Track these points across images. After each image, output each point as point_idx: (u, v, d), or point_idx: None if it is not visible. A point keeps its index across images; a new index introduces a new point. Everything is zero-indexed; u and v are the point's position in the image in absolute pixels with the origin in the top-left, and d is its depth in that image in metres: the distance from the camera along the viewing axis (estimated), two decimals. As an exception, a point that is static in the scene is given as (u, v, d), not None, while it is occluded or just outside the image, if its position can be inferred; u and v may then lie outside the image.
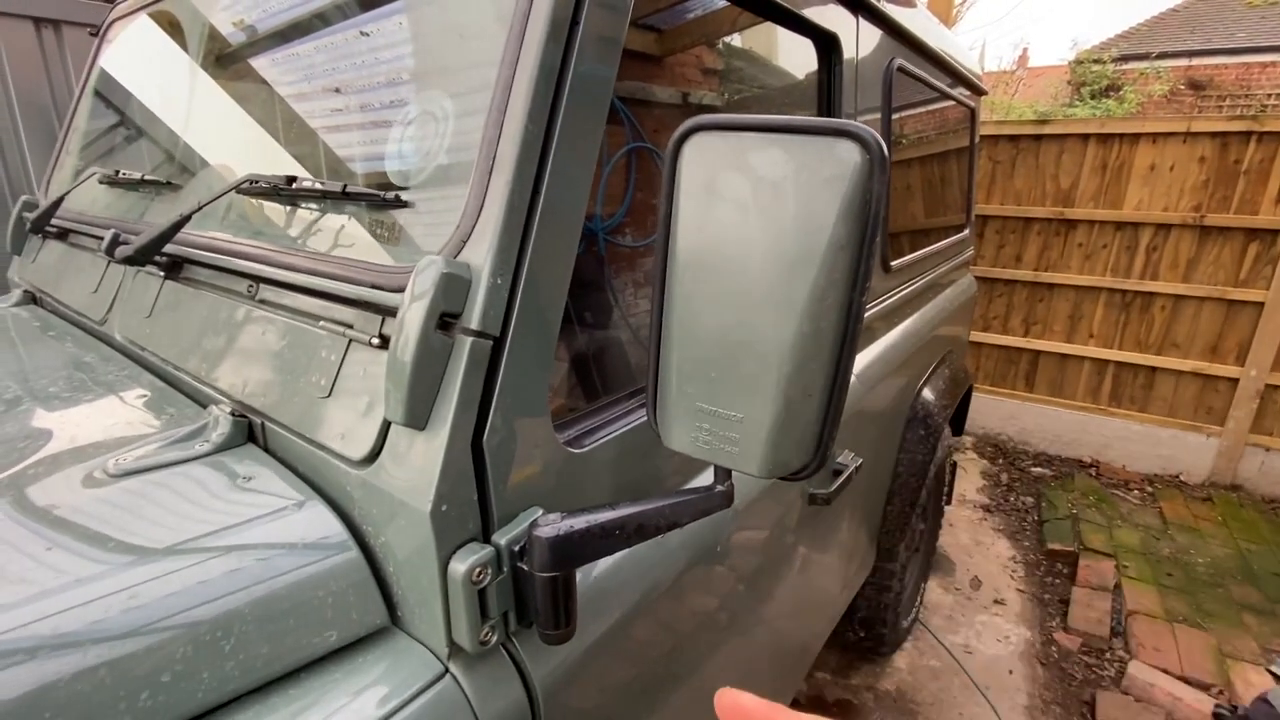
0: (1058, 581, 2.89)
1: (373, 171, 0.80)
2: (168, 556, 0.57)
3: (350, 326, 0.68)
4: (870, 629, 2.17)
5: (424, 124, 0.71)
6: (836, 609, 1.75)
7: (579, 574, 0.62)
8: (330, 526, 0.64)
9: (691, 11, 1.55)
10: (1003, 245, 3.96)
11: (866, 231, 0.47)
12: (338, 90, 0.89)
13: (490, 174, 0.61)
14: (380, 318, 0.65)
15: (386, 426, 0.61)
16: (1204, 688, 2.27)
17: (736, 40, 1.73)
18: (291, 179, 0.78)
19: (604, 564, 0.76)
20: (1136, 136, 3.55)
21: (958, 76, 2.21)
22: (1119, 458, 3.85)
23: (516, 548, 0.60)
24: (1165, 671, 2.33)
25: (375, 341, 0.64)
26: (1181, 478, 3.71)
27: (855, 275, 0.49)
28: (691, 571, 0.89)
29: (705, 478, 0.93)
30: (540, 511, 0.64)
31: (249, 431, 0.77)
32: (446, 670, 0.60)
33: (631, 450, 0.79)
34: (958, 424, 2.61)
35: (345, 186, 0.72)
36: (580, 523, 0.58)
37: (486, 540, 0.61)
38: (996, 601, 2.74)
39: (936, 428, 1.95)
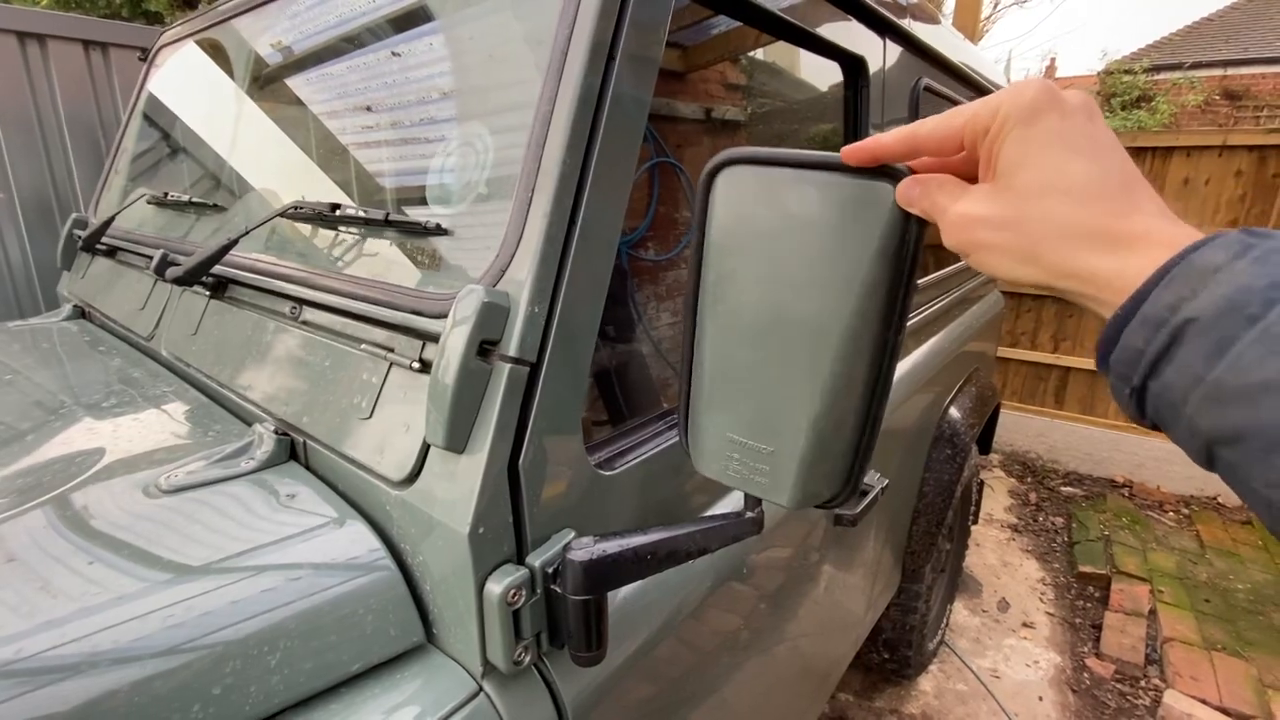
0: (1089, 605, 2.82)
1: (414, 199, 0.83)
2: (216, 572, 0.60)
3: (391, 350, 0.70)
4: (894, 651, 2.14)
5: (464, 154, 0.74)
6: (861, 630, 1.73)
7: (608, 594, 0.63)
8: (369, 544, 0.66)
9: (716, 28, 1.57)
10: (1031, 260, 3.90)
11: (904, 272, 0.48)
12: (379, 117, 0.93)
13: (529, 205, 0.63)
14: (421, 342, 0.67)
15: (426, 448, 0.63)
16: (1244, 719, 2.20)
17: (760, 56, 1.75)
18: (335, 206, 0.81)
19: (632, 584, 0.77)
20: (1170, 150, 3.49)
21: (984, 92, 2.20)
22: (1153, 478, 3.75)
23: (550, 570, 0.61)
24: (1203, 701, 2.26)
25: (416, 366, 0.66)
26: (1219, 499, 3.60)
27: (890, 316, 0.49)
28: (718, 592, 0.90)
29: (734, 501, 0.94)
30: (572, 534, 0.65)
31: (291, 449, 0.80)
32: (480, 689, 0.62)
33: (660, 472, 0.80)
34: (985, 442, 2.57)
35: (388, 215, 0.75)
36: (613, 547, 0.59)
37: (521, 562, 0.62)
38: (1025, 625, 2.68)
39: (964, 447, 1.93)
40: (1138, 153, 3.55)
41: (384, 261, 0.79)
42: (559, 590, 0.60)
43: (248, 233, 0.92)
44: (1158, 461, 3.72)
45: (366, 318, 0.74)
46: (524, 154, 0.65)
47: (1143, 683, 2.39)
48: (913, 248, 0.47)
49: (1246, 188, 3.34)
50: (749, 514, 0.61)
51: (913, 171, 0.44)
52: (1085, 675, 2.43)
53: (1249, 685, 2.32)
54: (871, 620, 1.81)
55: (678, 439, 0.82)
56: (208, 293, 1.08)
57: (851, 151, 0.44)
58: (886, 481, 1.36)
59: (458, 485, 0.60)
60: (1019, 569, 3.06)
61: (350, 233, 0.87)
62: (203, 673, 0.52)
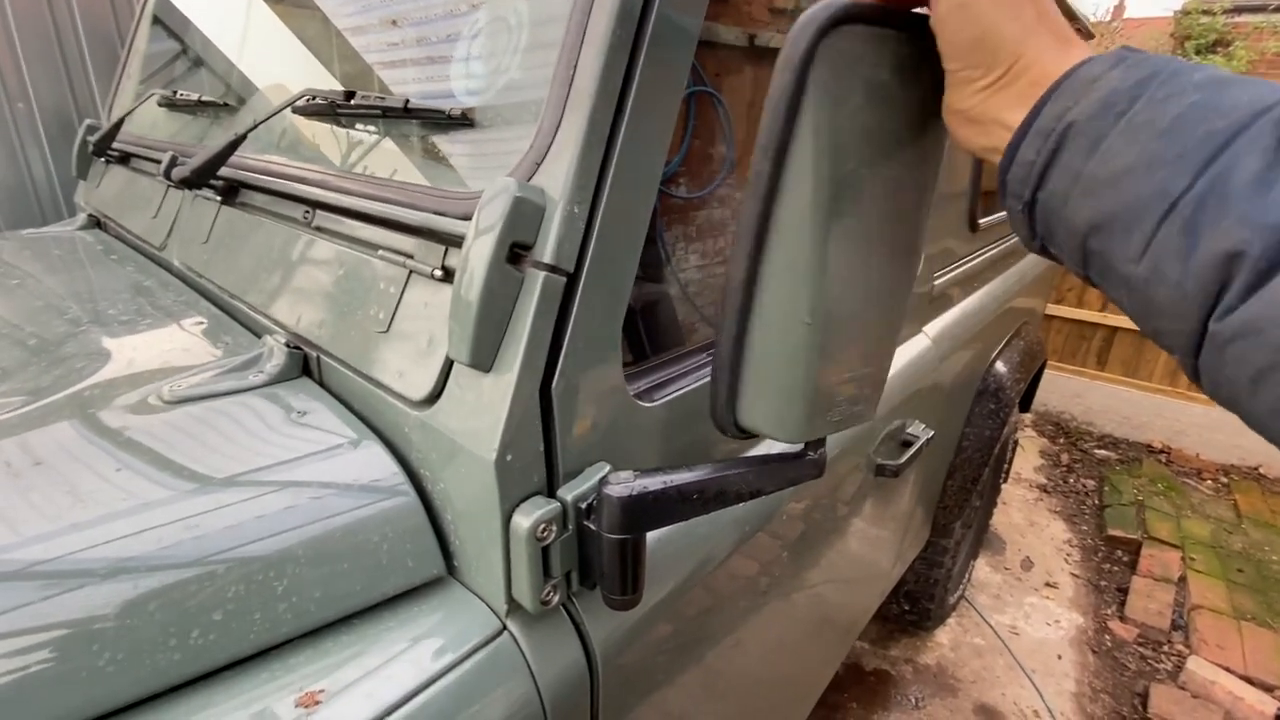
0: (1116, 569, 2.76)
1: (438, 91, 0.73)
2: (218, 489, 0.54)
3: (410, 257, 0.63)
4: (915, 603, 2.11)
5: (495, 32, 0.64)
6: (887, 584, 1.69)
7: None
8: (386, 468, 0.60)
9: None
10: (1086, 211, 3.68)
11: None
12: (399, 4, 0.82)
13: (570, 85, 0.53)
14: (443, 248, 0.59)
15: (449, 366, 0.57)
16: (1268, 689, 2.15)
17: None
18: (350, 94, 0.72)
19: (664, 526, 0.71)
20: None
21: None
22: (1193, 445, 3.61)
23: (584, 505, 0.55)
24: (1227, 669, 2.21)
25: (438, 274, 0.59)
26: (1261, 470, 3.47)
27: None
28: (754, 539, 0.84)
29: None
30: (608, 467, 0.59)
31: (304, 364, 0.74)
32: (504, 627, 0.57)
33: (703, 406, 0.72)
34: (1025, 400, 2.46)
35: (407, 102, 0.66)
36: (655, 483, 0.52)
37: (552, 494, 0.56)
38: (1048, 584, 2.64)
39: (1008, 402, 1.83)
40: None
41: (403, 159, 0.71)
42: (593, 528, 0.54)
43: (255, 127, 0.84)
44: (1200, 429, 3.58)
45: (383, 220, 0.66)
46: (566, 25, 0.55)
47: (1166, 648, 2.35)
48: None
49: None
50: (810, 455, 0.53)
51: None
52: (1107, 637, 2.39)
53: (1277, 656, 2.27)
54: (898, 574, 1.76)
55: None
56: (219, 198, 1.01)
57: None
58: (932, 433, 1.28)
59: (484, 407, 0.53)
60: (1045, 529, 2.99)
61: (367, 130, 0.78)
62: (200, 596, 0.48)
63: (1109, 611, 2.52)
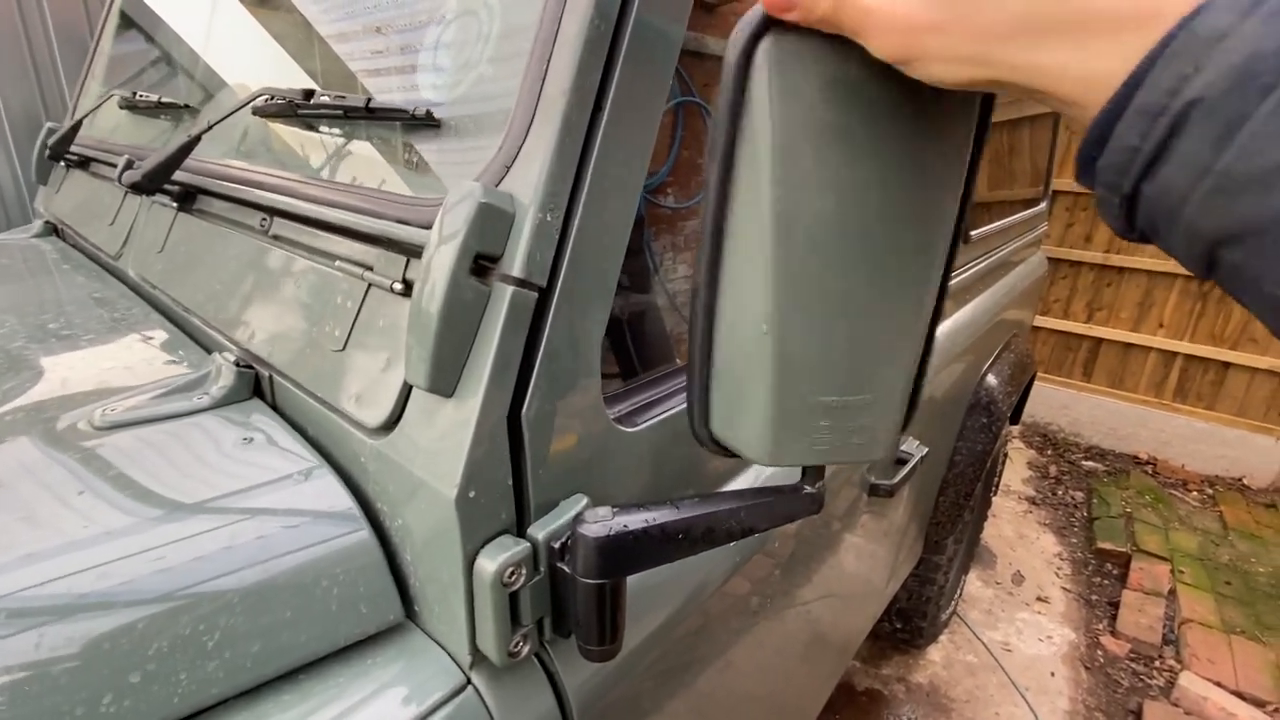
0: (1106, 583, 2.73)
1: (405, 90, 0.68)
2: (140, 531, 0.48)
3: (369, 268, 0.57)
4: (908, 621, 2.07)
5: (464, 27, 0.59)
6: (881, 603, 1.64)
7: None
8: (339, 502, 0.54)
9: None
10: (1072, 223, 3.69)
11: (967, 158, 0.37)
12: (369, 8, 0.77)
13: (544, 83, 0.48)
14: (404, 259, 0.54)
15: (408, 389, 0.51)
16: (1260, 705, 2.13)
17: None
18: (310, 93, 0.66)
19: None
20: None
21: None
22: (1179, 456, 3.62)
23: (557, 544, 0.50)
24: (1219, 685, 2.19)
25: (398, 287, 0.53)
26: (1245, 481, 3.48)
27: (960, 214, 0.39)
28: (744, 569, 0.79)
29: (776, 473, 0.82)
30: (585, 501, 0.53)
31: (256, 386, 0.68)
32: (469, 681, 0.51)
33: (688, 432, 0.67)
34: (1015, 413, 2.44)
35: (369, 101, 0.61)
36: (636, 521, 0.47)
37: (521, 533, 0.51)
38: (1040, 599, 2.60)
39: (999, 415, 1.80)
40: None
41: (365, 163, 0.65)
42: (567, 570, 0.49)
43: (209, 128, 0.78)
44: (1184, 440, 3.59)
45: (341, 228, 0.60)
46: (539, 19, 0.50)
47: (1158, 663, 2.32)
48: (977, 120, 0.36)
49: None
50: (808, 489, 0.48)
51: None
52: (1099, 653, 2.36)
53: (1267, 671, 2.25)
54: (892, 592, 1.72)
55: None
56: (175, 204, 0.95)
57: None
58: (926, 450, 1.24)
59: (444, 437, 0.48)
60: (1035, 542, 2.97)
61: (329, 133, 0.72)
62: (114, 656, 0.41)
63: (1100, 626, 2.49)
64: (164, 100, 1.12)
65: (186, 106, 1.08)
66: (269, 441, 0.59)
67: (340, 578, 0.51)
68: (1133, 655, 2.35)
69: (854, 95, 0.35)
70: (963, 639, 2.37)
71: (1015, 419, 2.50)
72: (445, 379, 0.46)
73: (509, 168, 0.49)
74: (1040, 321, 3.84)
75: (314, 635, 0.50)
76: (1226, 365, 3.44)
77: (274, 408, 0.66)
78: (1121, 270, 3.60)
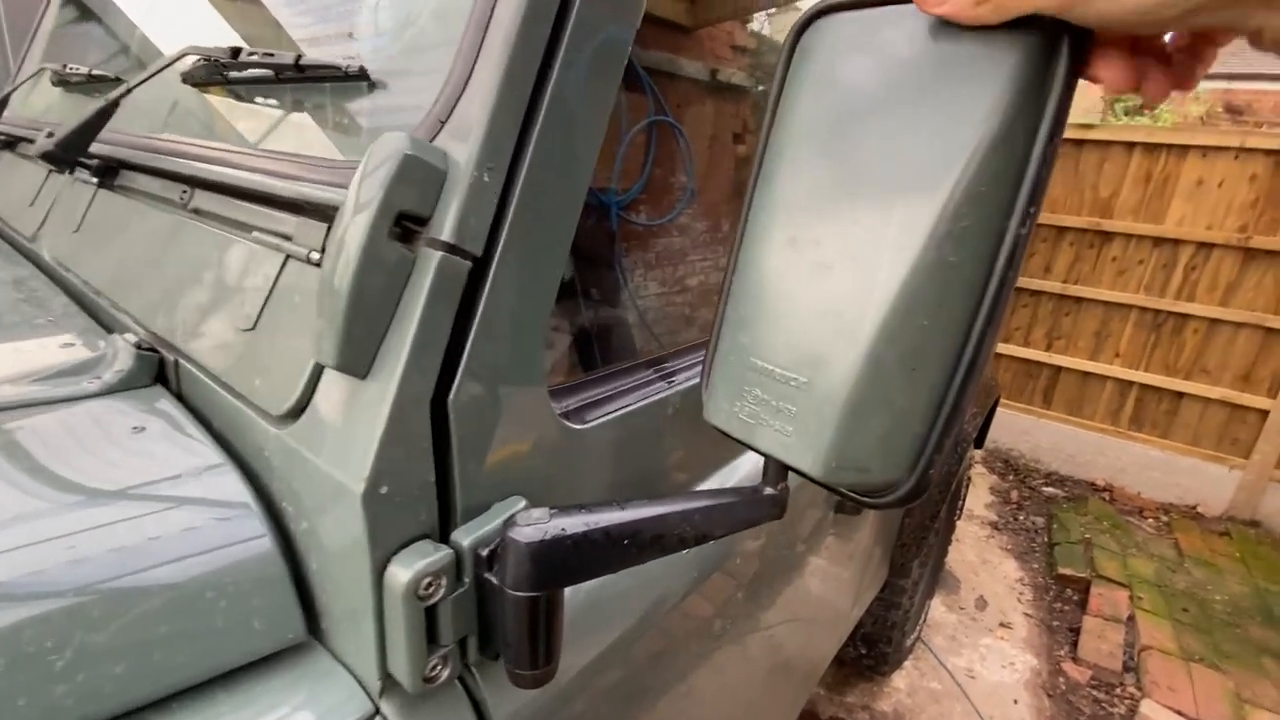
0: (1067, 608, 2.73)
1: (341, 50, 0.62)
2: (-10, 528, 0.40)
3: (289, 239, 0.51)
4: (873, 646, 2.02)
5: (406, -21, 0.54)
6: (847, 626, 1.59)
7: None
8: (235, 500, 0.47)
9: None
10: (1032, 253, 3.77)
11: (1046, 138, 0.31)
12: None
13: (485, 30, 0.43)
14: (326, 226, 0.48)
15: (319, 372, 0.45)
16: (1219, 734, 2.13)
17: (775, 17, 1.55)
18: (236, 50, 0.60)
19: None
20: (1185, 149, 3.35)
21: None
22: (1134, 483, 3.68)
23: (484, 552, 0.43)
24: (1179, 713, 2.18)
25: (315, 256, 0.47)
26: (1198, 509, 3.55)
27: (1014, 193, 0.32)
28: (703, 588, 0.73)
29: (740, 474, 0.76)
30: (522, 503, 0.47)
31: (160, 371, 0.61)
32: (376, 710, 0.44)
33: (646, 432, 0.62)
34: (979, 436, 2.44)
35: (299, 58, 0.55)
36: (575, 524, 0.41)
37: (444, 539, 0.44)
38: (1003, 625, 2.59)
39: (966, 438, 1.78)
40: (1152, 149, 3.42)
41: (294, 128, 0.59)
42: (495, 581, 0.42)
43: (127, 92, 0.71)
44: (1139, 467, 3.66)
45: (261, 194, 0.54)
46: (485, -37, 0.45)
47: (1119, 690, 2.31)
48: (1057, 101, 0.31)
49: (1260, 193, 3.23)
50: (769, 490, 0.43)
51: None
52: (1061, 680, 2.34)
53: (1226, 699, 2.25)
54: (857, 616, 1.67)
55: (669, 390, 0.64)
56: (95, 180, 0.86)
57: None
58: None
59: (354, 424, 0.41)
60: (998, 567, 2.97)
61: (260, 101, 0.66)
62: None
63: (1062, 653, 2.48)
64: (95, 73, 1.04)
65: (117, 79, 1.00)
66: (164, 432, 0.52)
67: (229, 589, 0.44)
68: (1094, 682, 2.34)
69: (900, 79, 0.34)
70: (927, 665, 2.33)
71: (979, 443, 2.50)
72: (357, 356, 0.40)
73: (444, 122, 0.43)
74: (1002, 348, 3.90)
75: (194, 656, 0.42)
76: (1180, 395, 3.53)
77: (179, 396, 0.59)
78: (1079, 300, 3.69)
